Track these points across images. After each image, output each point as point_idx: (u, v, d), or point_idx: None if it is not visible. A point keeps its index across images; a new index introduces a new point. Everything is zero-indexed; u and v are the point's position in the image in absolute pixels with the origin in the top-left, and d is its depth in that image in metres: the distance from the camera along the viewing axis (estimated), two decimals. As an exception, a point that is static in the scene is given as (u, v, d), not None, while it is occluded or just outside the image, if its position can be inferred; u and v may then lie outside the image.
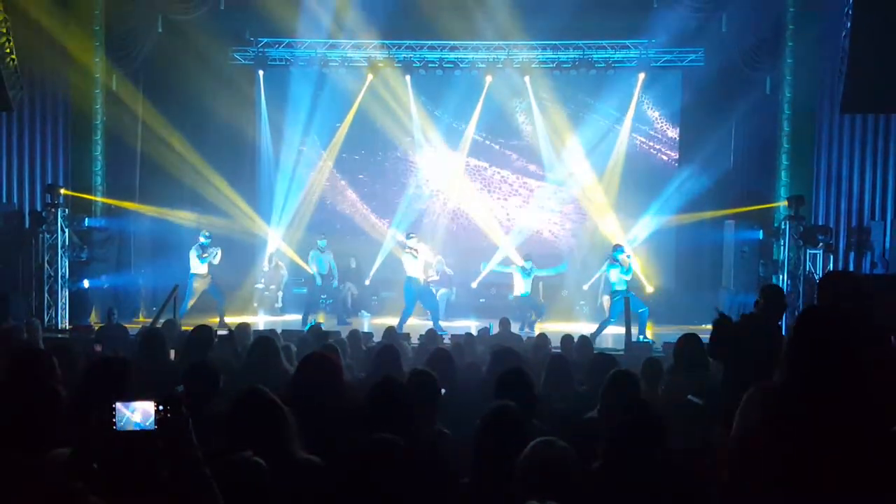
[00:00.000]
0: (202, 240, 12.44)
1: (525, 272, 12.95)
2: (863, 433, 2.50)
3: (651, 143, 15.67)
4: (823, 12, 12.30)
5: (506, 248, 15.30)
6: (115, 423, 2.29)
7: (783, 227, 12.23)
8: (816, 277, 11.77)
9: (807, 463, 2.49)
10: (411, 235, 12.58)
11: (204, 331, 6.10)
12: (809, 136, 13.15)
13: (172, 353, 6.26)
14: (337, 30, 14.37)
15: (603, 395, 4.26)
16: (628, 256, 11.86)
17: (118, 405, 2.30)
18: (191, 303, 12.24)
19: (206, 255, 12.31)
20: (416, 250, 12.17)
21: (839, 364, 2.58)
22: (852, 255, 12.80)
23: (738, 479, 2.65)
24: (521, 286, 12.96)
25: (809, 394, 2.56)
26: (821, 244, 11.84)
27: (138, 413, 2.30)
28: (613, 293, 11.66)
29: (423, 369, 4.24)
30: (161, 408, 2.31)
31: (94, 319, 12.42)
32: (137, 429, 2.29)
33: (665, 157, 15.62)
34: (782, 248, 12.22)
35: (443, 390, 4.50)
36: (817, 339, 2.65)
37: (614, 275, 11.56)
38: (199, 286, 12.34)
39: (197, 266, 12.35)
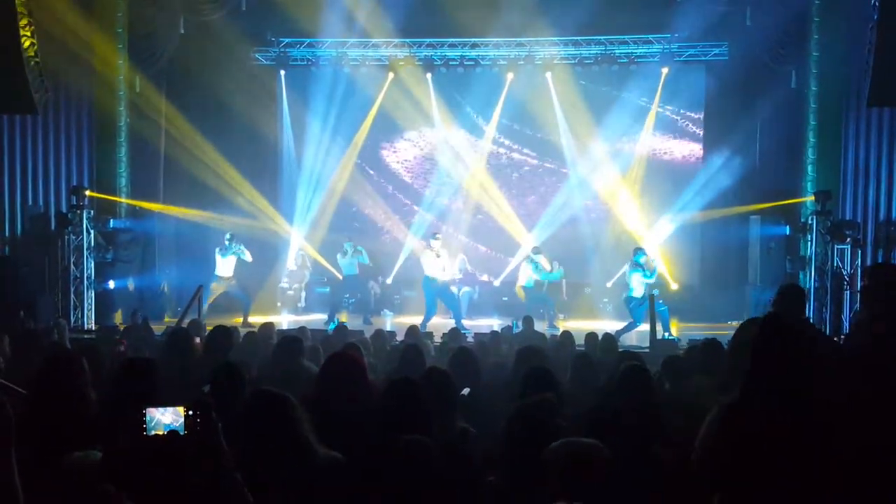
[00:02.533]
0: (226, 243, 12.55)
1: (533, 263, 12.89)
2: (818, 444, 2.50)
3: (675, 139, 15.53)
4: (849, 4, 12.12)
5: (528, 245, 15.24)
6: (145, 428, 2.30)
7: (810, 222, 12.08)
8: (844, 273, 11.62)
9: (762, 474, 2.51)
10: (437, 236, 12.58)
11: (225, 331, 6.11)
12: (836, 129, 12.96)
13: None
14: (358, 29, 14.37)
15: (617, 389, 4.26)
16: (652, 260, 11.74)
17: (148, 410, 2.30)
18: (207, 302, 12.35)
19: (228, 248, 12.44)
20: (438, 250, 12.18)
21: (794, 376, 2.59)
22: (881, 250, 12.62)
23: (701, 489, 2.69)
24: (524, 277, 12.92)
25: (764, 407, 2.58)
26: (848, 239, 11.69)
27: (168, 418, 2.31)
28: (629, 300, 11.39)
29: (436, 367, 4.23)
30: (190, 413, 2.31)
31: (119, 320, 12.52)
32: (167, 432, 2.30)
33: (689, 153, 15.48)
34: (809, 243, 12.08)
35: (467, 389, 4.48)
36: (774, 354, 2.66)
37: (636, 279, 11.27)
38: (217, 288, 12.42)
39: (220, 267, 12.43)
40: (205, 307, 12.11)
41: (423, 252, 12.58)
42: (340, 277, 13.71)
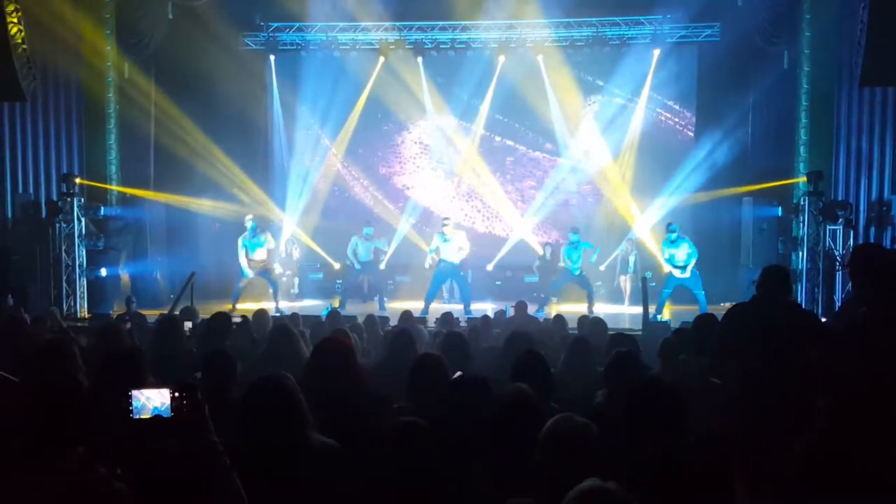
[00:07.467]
0: (248, 225, 12.56)
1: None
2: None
3: (667, 121, 15.48)
4: (841, -17, 12.09)
5: (521, 229, 15.23)
6: (131, 412, 2.28)
7: (802, 203, 12.07)
8: (836, 254, 11.64)
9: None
10: (446, 220, 12.60)
11: (221, 318, 6.10)
12: (828, 110, 12.94)
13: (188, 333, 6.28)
14: (347, 13, 14.29)
15: (606, 378, 4.27)
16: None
17: (134, 393, 2.29)
18: (241, 284, 12.55)
19: (256, 239, 12.46)
20: (448, 233, 12.23)
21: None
22: (872, 230, 12.64)
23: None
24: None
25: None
26: (840, 220, 11.71)
27: (154, 400, 2.29)
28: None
29: (429, 352, 4.23)
30: (177, 395, 2.29)
31: (113, 308, 12.48)
32: (154, 416, 2.28)
33: (681, 135, 15.43)
34: (801, 224, 12.08)
35: (459, 373, 4.48)
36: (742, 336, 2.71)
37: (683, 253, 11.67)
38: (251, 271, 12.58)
39: (245, 259, 12.47)
40: (239, 288, 12.44)
41: (433, 239, 12.62)
42: (357, 265, 13.64)
